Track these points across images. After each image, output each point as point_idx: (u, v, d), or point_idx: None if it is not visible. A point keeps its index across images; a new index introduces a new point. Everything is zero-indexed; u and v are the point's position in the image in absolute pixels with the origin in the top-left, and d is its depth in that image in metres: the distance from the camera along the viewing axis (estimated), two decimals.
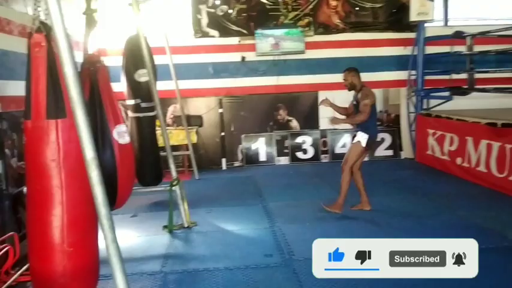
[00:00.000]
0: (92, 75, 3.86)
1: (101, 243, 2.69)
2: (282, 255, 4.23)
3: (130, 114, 6.27)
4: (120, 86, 6.21)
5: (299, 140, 8.85)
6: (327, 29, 8.59)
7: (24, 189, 4.79)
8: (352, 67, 5.38)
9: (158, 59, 7.35)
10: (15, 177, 4.89)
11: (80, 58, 5.72)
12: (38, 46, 2.82)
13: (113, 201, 3.93)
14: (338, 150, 8.78)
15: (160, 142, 7.56)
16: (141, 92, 5.98)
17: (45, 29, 2.86)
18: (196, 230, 5.09)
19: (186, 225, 5.10)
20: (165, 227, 5.01)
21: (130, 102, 6.16)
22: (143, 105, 6.06)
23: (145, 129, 6.20)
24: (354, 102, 5.32)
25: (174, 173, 5.10)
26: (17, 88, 4.47)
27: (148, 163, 6.24)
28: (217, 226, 5.19)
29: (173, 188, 5.04)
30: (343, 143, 8.79)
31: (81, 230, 2.93)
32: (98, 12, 4.00)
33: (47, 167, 2.81)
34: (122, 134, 3.93)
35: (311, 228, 4.94)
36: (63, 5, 4.47)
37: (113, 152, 3.86)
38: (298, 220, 5.21)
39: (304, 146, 8.84)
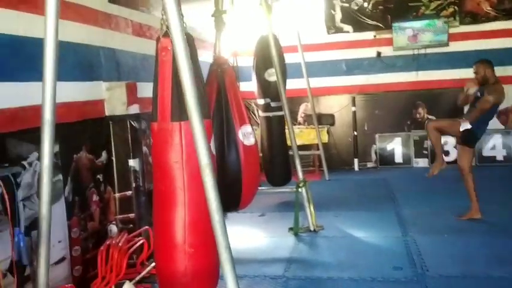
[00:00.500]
0: (219, 76, 3.90)
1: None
2: (414, 269, 3.85)
3: (261, 113, 6.33)
4: (251, 86, 6.32)
5: None
6: (475, 17, 7.75)
7: None
8: (485, 59, 4.86)
9: (290, 58, 7.35)
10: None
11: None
12: (164, 50, 2.89)
13: (238, 201, 3.95)
14: (486, 152, 7.88)
15: (289, 141, 7.58)
16: (271, 91, 5.99)
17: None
18: (322, 234, 4.91)
19: (312, 229, 4.95)
20: (290, 229, 4.92)
21: (261, 101, 6.21)
22: (273, 104, 6.07)
23: (275, 128, 6.21)
24: (478, 94, 4.75)
25: (300, 174, 4.98)
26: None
27: (277, 163, 6.25)
28: (344, 231, 4.95)
29: (299, 189, 4.92)
30: (493, 144, 7.86)
31: (202, 231, 2.94)
32: (227, 14, 4.04)
33: (171, 168, 2.87)
34: (247, 135, 3.92)
35: (449, 240, 4.45)
36: (196, 7, 4.60)
37: (238, 152, 3.87)
38: (435, 230, 4.73)
39: (446, 148, 8.10)
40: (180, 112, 2.85)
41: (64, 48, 3.72)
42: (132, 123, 4.27)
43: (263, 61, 5.97)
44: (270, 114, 6.13)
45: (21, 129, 3.21)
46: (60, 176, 3.61)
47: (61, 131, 3.62)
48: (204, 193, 2.88)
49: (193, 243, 2.89)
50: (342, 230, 4.99)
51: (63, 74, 3.70)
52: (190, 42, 2.97)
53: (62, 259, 3.58)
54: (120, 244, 3.85)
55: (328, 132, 8.19)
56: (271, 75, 5.96)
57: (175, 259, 2.91)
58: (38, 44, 2.91)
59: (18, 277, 2.14)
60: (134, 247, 3.92)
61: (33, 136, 3.32)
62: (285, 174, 6.28)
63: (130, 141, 4.25)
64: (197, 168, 2.85)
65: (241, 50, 7.84)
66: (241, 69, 7.33)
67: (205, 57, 5.29)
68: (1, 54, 2.98)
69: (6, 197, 2.02)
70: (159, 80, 2.91)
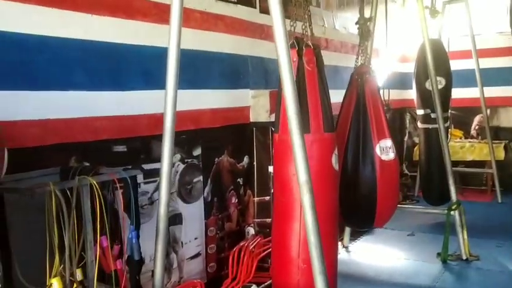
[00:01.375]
0: (359, 86, 3.73)
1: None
2: None
3: (419, 125, 5.89)
4: (411, 94, 5.93)
5: None
6: None
7: None
8: None
9: (463, 64, 6.68)
10: None
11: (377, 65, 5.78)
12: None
13: (372, 218, 3.73)
14: None
15: (458, 156, 6.88)
16: (431, 101, 5.51)
17: (298, 45, 2.90)
18: (476, 265, 4.33)
19: (464, 257, 4.41)
20: (438, 254, 4.46)
21: (420, 112, 5.78)
22: (433, 115, 5.57)
23: (434, 141, 5.69)
24: None
25: (453, 196, 4.48)
26: None
27: (435, 179, 5.73)
28: (504, 266, 4.29)
29: (451, 212, 4.42)
30: None
31: None
32: (372, 22, 3.84)
33: (289, 180, 2.85)
34: (385, 149, 3.67)
35: None
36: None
37: (374, 168, 3.64)
38: None
39: None
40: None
41: (215, 58, 4.02)
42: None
43: (424, 68, 5.53)
44: (430, 126, 5.64)
45: None
46: (201, 177, 3.87)
47: (204, 135, 3.91)
48: (321, 208, 2.81)
49: (306, 259, 2.81)
50: (502, 264, 4.34)
51: (211, 82, 4.01)
52: (317, 52, 2.91)
53: (197, 255, 3.85)
54: (252, 247, 3.97)
55: (506, 148, 7.19)
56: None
57: (288, 272, 2.89)
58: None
59: (131, 270, 2.35)
60: (266, 252, 4.00)
61: (177, 139, 3.64)
62: (443, 192, 5.71)
63: (271, 148, 4.34)
64: (314, 181, 2.79)
65: (406, 55, 7.44)
66: (406, 77, 6.97)
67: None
68: (151, 66, 3.30)
69: (120, 196, 2.22)
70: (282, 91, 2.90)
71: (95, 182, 2.07)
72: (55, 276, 1.92)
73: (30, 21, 2.61)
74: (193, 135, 3.79)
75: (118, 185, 2.27)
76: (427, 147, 5.77)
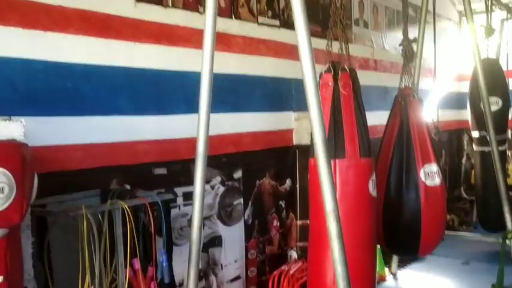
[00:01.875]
0: (403, 109, 3.64)
1: None
2: None
3: (475, 147, 5.65)
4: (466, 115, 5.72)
5: None
6: None
7: None
8: None
9: None
10: None
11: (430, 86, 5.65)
12: (325, 86, 2.87)
13: (416, 246, 3.59)
14: None
15: None
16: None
17: (334, 70, 2.89)
18: None
19: None
20: (493, 286, 4.20)
21: (475, 134, 5.54)
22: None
23: (490, 165, 5.41)
24: None
25: (509, 224, 4.22)
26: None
27: (492, 204, 5.43)
28: None
29: (507, 241, 4.17)
30: None
31: (353, 274, 2.78)
32: (416, 42, 3.75)
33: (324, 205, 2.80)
34: (430, 174, 3.54)
35: None
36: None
37: (418, 193, 3.51)
38: None
39: None
40: (336, 149, 2.78)
41: (257, 82, 4.07)
42: None
43: (478, 89, 5.31)
44: (486, 148, 5.38)
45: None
46: (241, 200, 3.90)
47: (246, 158, 3.95)
48: (357, 235, 2.76)
49: None
50: None
51: (253, 105, 4.06)
52: (354, 76, 2.89)
53: (237, 277, 3.85)
54: (293, 272, 3.93)
55: None
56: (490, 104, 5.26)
57: None
58: (220, 79, 3.26)
59: None
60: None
61: (217, 162, 3.71)
62: (500, 218, 5.41)
63: None
64: (350, 208, 2.75)
65: (464, 74, 7.19)
66: (463, 96, 6.72)
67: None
68: (191, 91, 3.39)
69: (152, 220, 2.28)
70: None
71: (126, 206, 2.15)
72: None
73: (77, 51, 2.78)
74: (234, 158, 3.83)
75: (149, 209, 2.32)
76: (483, 171, 5.51)
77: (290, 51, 4.43)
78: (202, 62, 2.55)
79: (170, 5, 3.32)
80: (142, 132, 3.13)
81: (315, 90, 2.15)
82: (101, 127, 2.90)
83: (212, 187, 3.65)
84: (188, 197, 3.45)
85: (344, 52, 2.98)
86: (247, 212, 3.96)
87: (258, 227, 4.04)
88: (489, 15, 5.47)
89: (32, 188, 1.62)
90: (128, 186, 2.98)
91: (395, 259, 4.74)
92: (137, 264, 2.31)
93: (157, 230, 2.56)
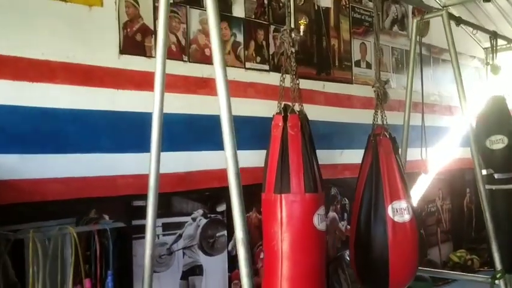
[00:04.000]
0: (373, 148, 3.79)
1: None
2: None
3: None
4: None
5: None
6: None
7: (346, 252, 5.12)
8: None
9: None
10: (343, 240, 5.28)
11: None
12: (276, 126, 3.13)
13: (385, 281, 3.66)
14: None
15: None
16: (493, 161, 5.25)
17: (284, 111, 3.15)
18: None
19: None
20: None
21: (483, 172, 5.46)
22: (496, 176, 5.27)
23: (498, 204, 5.32)
24: None
25: (497, 263, 4.16)
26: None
27: (503, 244, 5.29)
28: None
29: (495, 281, 4.10)
30: None
31: None
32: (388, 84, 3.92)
33: (272, 237, 3.02)
34: (399, 210, 3.63)
35: None
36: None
37: (386, 229, 3.61)
38: None
39: None
40: (281, 185, 3.00)
41: (245, 122, 4.38)
42: None
43: (485, 126, 5.32)
44: (493, 187, 5.30)
45: (188, 190, 3.94)
46: (225, 232, 4.17)
47: (228, 193, 4.22)
48: (300, 266, 2.94)
49: None
50: None
51: (241, 143, 4.32)
52: (302, 118, 3.13)
53: None
54: None
55: None
56: (494, 142, 5.25)
57: None
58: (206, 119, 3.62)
59: None
60: None
61: (200, 196, 4.02)
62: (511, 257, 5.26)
63: None
64: (294, 239, 2.95)
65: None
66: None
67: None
68: (171, 130, 3.75)
69: (98, 245, 2.62)
70: (270, 153, 3.14)
71: (74, 232, 2.51)
72: None
73: (61, 98, 3.25)
74: (218, 192, 4.12)
75: (96, 235, 2.66)
76: (492, 209, 5.39)
77: (276, 93, 4.72)
78: (153, 104, 2.90)
79: (154, 55, 3.75)
80: (122, 167, 3.52)
81: (229, 127, 2.42)
82: (82, 163, 3.33)
83: (194, 219, 3.95)
84: (167, 227, 3.79)
85: (296, 94, 3.22)
86: (231, 243, 4.20)
87: None
88: (494, 53, 5.49)
89: None
90: (106, 217, 3.37)
91: None
92: (88, 284, 2.64)
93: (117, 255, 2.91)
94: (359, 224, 3.75)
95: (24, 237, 2.37)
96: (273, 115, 3.19)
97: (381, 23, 5.96)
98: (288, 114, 3.12)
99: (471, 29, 7.38)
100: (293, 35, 3.24)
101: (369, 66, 5.73)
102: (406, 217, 3.66)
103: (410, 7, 6.44)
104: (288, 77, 3.27)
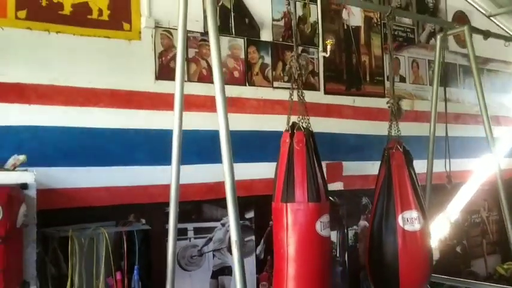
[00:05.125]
0: (386, 161, 4.03)
1: None
2: None
3: None
4: None
5: None
6: None
7: None
8: None
9: None
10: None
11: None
12: (284, 143, 3.50)
13: (396, 287, 3.87)
14: None
15: None
16: None
17: (291, 129, 3.50)
18: None
19: None
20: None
21: None
22: None
23: None
24: None
25: None
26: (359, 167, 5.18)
27: None
28: None
29: None
30: None
31: None
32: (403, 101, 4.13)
33: (280, 243, 3.38)
34: (410, 220, 3.83)
35: None
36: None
37: (396, 237, 3.83)
38: None
39: None
40: (287, 195, 3.36)
41: (270, 136, 4.75)
42: (332, 198, 4.80)
43: None
44: None
45: (217, 198, 4.38)
46: (253, 237, 4.57)
47: (258, 201, 4.62)
48: (305, 267, 3.28)
49: None
50: None
51: (266, 156, 4.73)
52: (307, 134, 3.47)
53: None
54: None
55: None
56: None
57: None
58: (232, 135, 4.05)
59: None
60: None
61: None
62: None
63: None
64: (298, 244, 3.30)
65: None
66: None
67: None
68: (202, 145, 4.22)
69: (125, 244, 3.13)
70: (279, 166, 3.51)
71: (105, 232, 3.04)
72: None
73: (105, 119, 3.84)
74: (246, 200, 4.53)
75: (125, 235, 3.18)
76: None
77: (308, 108, 5.04)
78: (174, 122, 3.37)
79: (186, 79, 4.25)
80: (157, 178, 4.03)
81: (226, 139, 2.83)
82: (122, 174, 3.89)
83: (223, 224, 4.39)
84: (198, 231, 4.27)
85: (303, 116, 3.56)
86: (259, 248, 4.60)
87: (270, 262, 4.62)
88: None
89: (17, 215, 2.59)
90: (143, 220, 3.91)
91: None
92: (119, 275, 3.16)
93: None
94: (372, 232, 4.00)
95: (66, 235, 2.93)
96: (282, 132, 3.56)
97: (417, 37, 6.11)
98: (295, 131, 3.47)
99: None
100: (300, 60, 3.58)
101: (402, 80, 5.90)
102: (417, 226, 3.85)
103: (450, 19, 6.51)
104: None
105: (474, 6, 6.82)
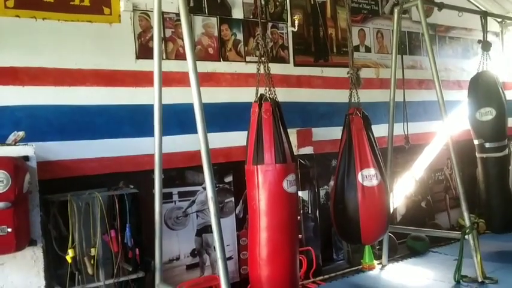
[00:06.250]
0: (347, 125, 4.52)
1: None
2: None
3: (477, 154, 6.07)
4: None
5: None
6: None
7: None
8: None
9: None
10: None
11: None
12: (253, 113, 3.95)
13: (358, 236, 4.41)
14: None
15: None
16: (483, 132, 5.76)
17: (259, 100, 3.95)
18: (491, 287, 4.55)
19: (479, 280, 4.65)
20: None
21: (475, 142, 5.98)
22: (487, 145, 5.79)
23: (490, 170, 5.85)
24: None
25: (467, 220, 4.77)
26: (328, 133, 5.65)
27: (494, 206, 5.83)
28: None
29: (465, 236, 4.73)
30: None
31: (271, 248, 3.78)
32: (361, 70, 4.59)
33: (252, 199, 3.87)
34: (368, 177, 4.35)
35: None
36: None
37: (356, 193, 4.35)
38: None
39: None
40: (257, 158, 3.83)
41: (246, 107, 5.19)
42: (302, 161, 5.31)
43: (475, 100, 5.83)
44: (484, 155, 5.83)
45: (198, 165, 4.83)
46: (232, 199, 5.07)
47: (236, 166, 5.08)
48: (274, 219, 3.78)
49: (263, 258, 3.78)
50: None
51: (242, 125, 5.18)
52: (273, 104, 3.92)
53: (230, 258, 4.98)
54: None
55: None
56: (484, 114, 5.75)
57: (253, 268, 3.88)
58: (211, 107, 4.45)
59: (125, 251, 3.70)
60: None
61: None
62: (504, 219, 5.81)
63: (299, 176, 5.28)
64: (267, 199, 3.79)
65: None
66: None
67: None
68: (183, 117, 4.63)
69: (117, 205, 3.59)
70: (250, 133, 3.96)
71: (99, 195, 3.49)
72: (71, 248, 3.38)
73: (91, 97, 4.24)
74: (225, 166, 5.01)
75: (116, 198, 3.64)
76: (485, 176, 5.91)
77: (280, 80, 5.49)
78: (154, 98, 3.80)
79: (164, 57, 4.64)
80: (142, 148, 4.46)
81: (200, 112, 3.28)
82: (111, 146, 4.32)
83: (204, 188, 4.86)
84: (182, 195, 4.74)
85: (270, 88, 3.99)
86: (238, 208, 5.11)
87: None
88: (485, 30, 5.91)
89: (23, 182, 3.03)
90: (131, 186, 4.36)
91: (385, 252, 5.48)
92: (113, 233, 3.65)
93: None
94: (336, 189, 4.53)
95: (66, 200, 3.39)
96: (251, 103, 4.00)
97: (381, 8, 6.52)
98: (262, 102, 3.92)
99: (481, 4, 7.74)
100: (266, 38, 4.00)
101: (368, 50, 6.35)
102: (375, 182, 4.38)
103: None
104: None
105: None
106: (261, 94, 4.01)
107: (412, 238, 5.98)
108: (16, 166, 3.00)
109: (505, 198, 5.77)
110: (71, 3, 4.19)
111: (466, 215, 4.82)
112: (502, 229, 5.85)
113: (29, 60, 3.99)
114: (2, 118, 3.82)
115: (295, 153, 5.19)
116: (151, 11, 4.33)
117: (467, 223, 4.78)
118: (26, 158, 3.28)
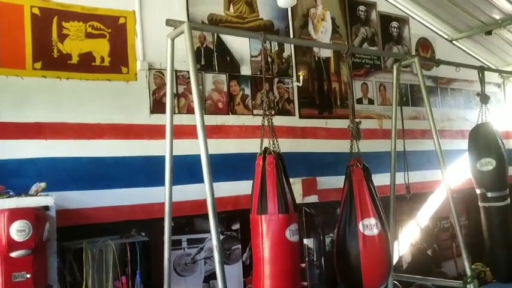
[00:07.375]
0: (349, 176, 4.74)
1: None
2: None
3: (479, 203, 6.20)
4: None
5: None
6: None
7: None
8: None
9: None
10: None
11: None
12: (258, 165, 4.21)
13: (360, 284, 4.55)
14: None
15: None
16: (484, 181, 5.93)
17: (264, 153, 4.22)
18: None
19: None
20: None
21: (477, 191, 6.14)
22: (489, 194, 5.94)
23: (493, 219, 5.97)
24: None
25: (467, 268, 4.88)
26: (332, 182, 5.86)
27: (498, 255, 5.92)
28: None
29: (467, 286, 4.83)
30: None
31: None
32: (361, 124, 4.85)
33: (257, 248, 4.07)
34: (369, 226, 4.53)
35: None
36: None
37: (357, 241, 4.52)
38: None
39: None
40: (261, 208, 4.07)
41: (254, 157, 5.48)
42: (307, 209, 5.52)
43: (475, 151, 6.03)
44: (487, 204, 5.97)
45: (206, 213, 5.07)
46: (239, 246, 5.26)
47: (243, 214, 5.30)
48: (278, 267, 3.97)
49: None
50: None
51: (250, 175, 5.44)
52: (277, 157, 4.18)
53: None
54: None
55: None
56: (484, 165, 5.93)
57: None
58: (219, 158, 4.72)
59: None
60: None
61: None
62: (509, 268, 5.88)
63: (304, 224, 5.48)
64: (270, 250, 3.99)
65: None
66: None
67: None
68: (193, 167, 4.91)
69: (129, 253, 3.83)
70: (254, 184, 4.21)
71: (112, 244, 3.74)
72: None
73: (108, 149, 4.56)
74: (233, 214, 5.24)
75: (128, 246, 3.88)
76: (488, 225, 6.02)
77: (286, 132, 5.79)
78: (166, 149, 4.09)
79: (177, 112, 4.98)
80: (155, 197, 4.72)
81: (206, 164, 3.54)
82: (125, 195, 4.60)
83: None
84: (191, 242, 4.96)
85: (275, 141, 4.26)
86: (245, 255, 5.29)
87: None
88: (483, 84, 6.18)
89: (43, 230, 3.30)
90: (143, 233, 4.60)
91: None
92: (124, 279, 3.86)
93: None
94: (339, 237, 4.69)
95: (82, 247, 3.64)
96: (256, 155, 4.27)
97: (383, 63, 6.86)
98: (266, 155, 4.18)
99: (483, 57, 8.08)
100: (270, 95, 4.31)
101: (371, 102, 6.64)
102: (375, 231, 4.55)
103: (413, 46, 7.27)
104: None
105: (436, 32, 7.59)
106: (265, 147, 4.27)
107: (417, 286, 6.06)
108: (37, 216, 3.27)
109: (509, 247, 5.86)
110: (92, 63, 4.58)
111: (466, 264, 4.93)
112: (507, 279, 5.91)
113: (52, 116, 4.35)
114: (27, 170, 4.14)
115: (300, 202, 5.47)
116: (165, 70, 4.70)
117: (468, 272, 4.88)
118: (47, 208, 3.56)
